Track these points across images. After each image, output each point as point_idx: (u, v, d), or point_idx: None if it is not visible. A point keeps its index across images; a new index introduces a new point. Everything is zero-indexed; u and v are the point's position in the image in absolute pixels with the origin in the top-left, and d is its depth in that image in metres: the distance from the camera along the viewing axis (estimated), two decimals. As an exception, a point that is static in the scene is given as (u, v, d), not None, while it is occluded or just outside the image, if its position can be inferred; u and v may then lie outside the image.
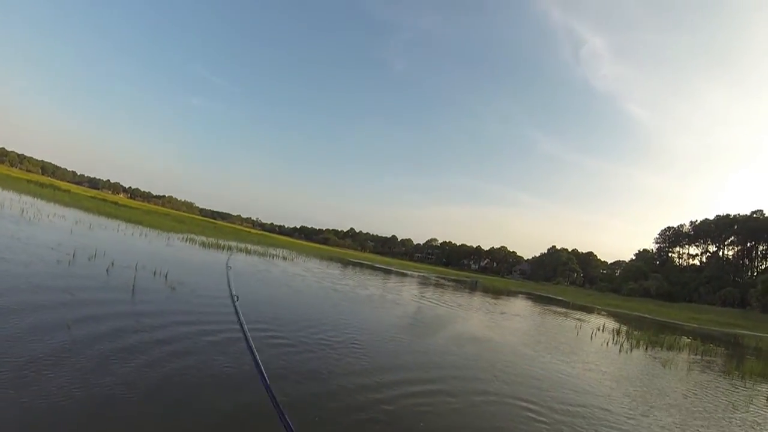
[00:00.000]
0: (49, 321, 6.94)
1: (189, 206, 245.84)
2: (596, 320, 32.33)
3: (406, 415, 6.39)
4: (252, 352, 0.99)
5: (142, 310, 8.96)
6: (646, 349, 19.08)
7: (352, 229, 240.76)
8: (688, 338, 27.39)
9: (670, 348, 20.60)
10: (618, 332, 24.48)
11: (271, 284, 18.64)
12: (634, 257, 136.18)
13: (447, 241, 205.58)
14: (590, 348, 17.03)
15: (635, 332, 25.39)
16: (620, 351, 17.25)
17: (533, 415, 7.39)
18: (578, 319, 30.37)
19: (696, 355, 19.90)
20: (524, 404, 7.91)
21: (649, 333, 25.36)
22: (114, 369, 5.74)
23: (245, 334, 1.33)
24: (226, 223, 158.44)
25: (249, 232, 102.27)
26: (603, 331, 24.31)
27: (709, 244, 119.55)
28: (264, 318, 11.00)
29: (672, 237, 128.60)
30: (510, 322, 22.17)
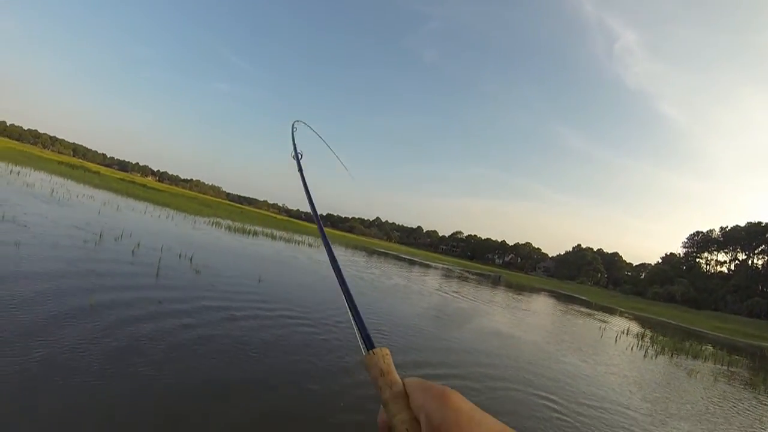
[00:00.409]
0: (72, 303, 6.86)
1: (216, 190, 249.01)
2: (620, 323, 31.94)
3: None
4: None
5: (165, 293, 8.86)
6: (671, 356, 18.65)
7: (378, 218, 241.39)
8: (713, 348, 26.76)
9: (695, 356, 20.14)
10: (642, 337, 24.10)
11: (298, 270, 18.68)
12: (660, 260, 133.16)
13: (472, 234, 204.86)
14: (614, 351, 16.74)
15: (660, 338, 24.94)
16: (645, 356, 16.98)
17: (553, 409, 7.51)
18: (602, 321, 30.06)
19: (721, 365, 19.34)
20: (545, 399, 7.91)
21: (674, 340, 24.93)
22: (140, 351, 5.68)
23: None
24: (252, 208, 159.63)
25: (275, 217, 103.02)
26: (627, 334, 23.96)
27: (738, 252, 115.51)
28: (289, 302, 11.08)
29: (700, 242, 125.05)
30: (533, 319, 21.95)
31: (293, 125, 2.00)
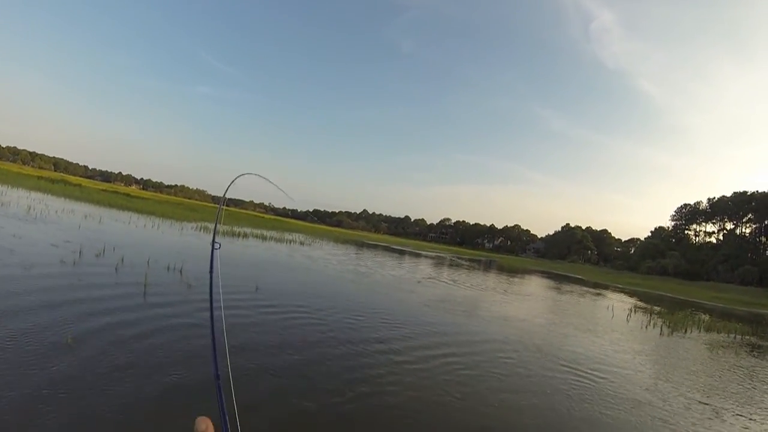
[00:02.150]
0: (46, 341, 5.90)
1: (201, 194, 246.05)
2: (623, 299, 31.70)
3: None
4: (212, 330, 0.67)
5: (156, 315, 7.88)
6: (685, 331, 18.18)
7: (365, 210, 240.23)
8: (719, 318, 26.36)
9: (708, 330, 19.64)
10: (651, 313, 23.82)
11: (296, 271, 17.96)
12: (650, 234, 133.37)
13: (460, 220, 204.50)
14: (629, 330, 16.43)
15: (666, 313, 24.74)
16: (660, 334, 16.60)
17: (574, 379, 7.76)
18: (606, 298, 30.04)
19: (735, 336, 19.10)
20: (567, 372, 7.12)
21: (680, 314, 24.50)
22: (119, 393, 4.74)
23: (212, 311, 0.72)
24: (239, 209, 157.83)
25: (263, 217, 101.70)
26: (635, 311, 23.57)
27: (726, 222, 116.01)
28: (295, 301, 10.94)
29: (688, 214, 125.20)
30: (538, 303, 21.53)
31: (213, 243, 2.02)
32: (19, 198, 26.40)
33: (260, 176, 2.86)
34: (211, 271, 1.94)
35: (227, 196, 2.43)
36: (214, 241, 2.10)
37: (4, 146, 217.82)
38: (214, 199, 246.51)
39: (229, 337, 6.48)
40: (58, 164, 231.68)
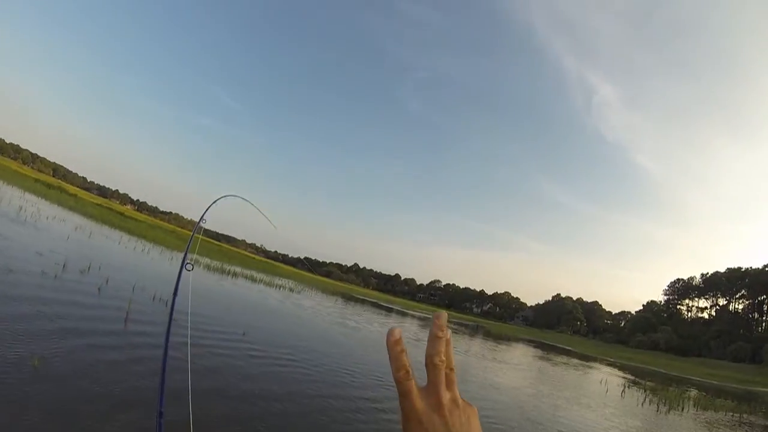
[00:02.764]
0: (9, 359, 5.19)
1: (193, 224, 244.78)
2: (614, 374, 31.16)
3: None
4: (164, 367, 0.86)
5: (134, 344, 7.13)
6: (682, 409, 17.52)
7: (356, 264, 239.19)
8: (714, 396, 25.76)
9: (704, 408, 19.05)
10: (644, 388, 23.34)
11: (285, 319, 17.36)
12: (642, 308, 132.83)
13: (450, 283, 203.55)
14: (625, 406, 15.87)
15: (659, 389, 24.11)
16: (657, 411, 16.00)
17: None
18: (591, 368, 30.37)
19: (733, 414, 18.74)
20: None
21: (674, 391, 23.89)
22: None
23: (167, 337, 0.95)
24: (230, 246, 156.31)
25: (253, 258, 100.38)
26: (629, 387, 23.10)
27: (719, 297, 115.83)
28: (284, 350, 10.33)
29: (681, 289, 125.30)
30: (528, 373, 20.92)
31: (184, 262, 1.95)
32: (12, 197, 25.69)
33: (243, 199, 2.81)
34: (174, 294, 1.62)
35: (209, 218, 2.37)
36: (184, 261, 1.78)
37: (7, 142, 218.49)
38: (207, 233, 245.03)
39: (207, 380, 5.75)
40: (58, 170, 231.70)
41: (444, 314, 0.63)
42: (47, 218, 22.04)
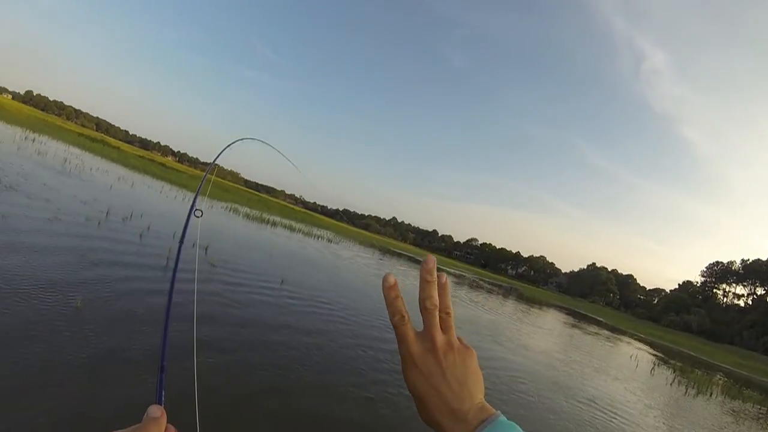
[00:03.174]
0: (57, 295, 5.44)
1: (234, 176, 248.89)
2: (645, 349, 30.79)
3: None
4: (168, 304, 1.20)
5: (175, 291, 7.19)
6: (710, 395, 17.09)
7: (394, 218, 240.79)
8: (743, 387, 24.81)
9: (732, 397, 18.53)
10: (674, 369, 22.95)
11: (323, 269, 17.34)
12: (677, 287, 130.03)
13: (487, 242, 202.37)
14: (655, 385, 15.41)
15: (689, 371, 23.68)
16: (685, 393, 15.66)
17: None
18: (621, 342, 29.91)
19: (762, 408, 18.11)
20: None
21: (704, 376, 23.60)
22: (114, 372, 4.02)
23: (171, 289, 1.30)
24: (270, 197, 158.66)
25: (293, 209, 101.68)
26: (659, 365, 22.71)
27: (757, 286, 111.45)
28: (317, 305, 9.99)
29: (719, 273, 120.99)
30: (560, 340, 20.55)
31: (193, 208, 1.69)
32: (57, 150, 26.33)
33: (263, 142, 2.72)
34: (180, 242, 1.48)
35: (225, 161, 2.30)
36: (193, 207, 1.69)
37: (51, 99, 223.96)
38: (247, 183, 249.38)
39: (245, 330, 5.74)
40: (101, 125, 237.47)
41: (432, 258, 0.65)
42: (91, 170, 22.56)
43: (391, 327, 0.65)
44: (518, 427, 0.57)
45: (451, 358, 0.64)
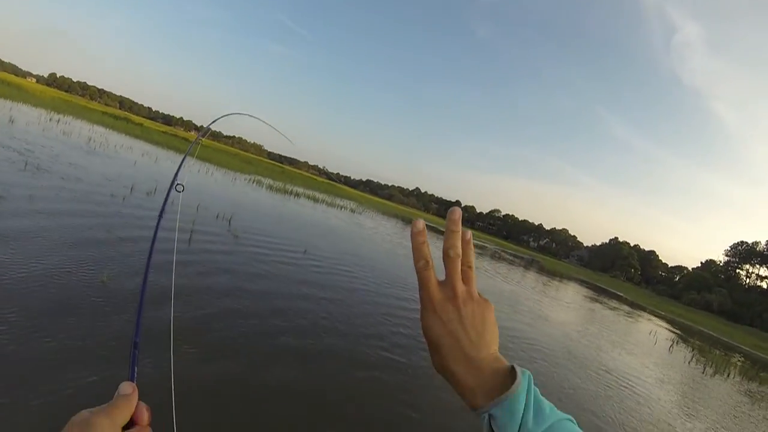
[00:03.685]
0: (84, 270, 5.68)
1: (258, 149, 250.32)
2: (664, 327, 30.48)
3: None
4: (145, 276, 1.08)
5: (197, 260, 7.36)
6: (727, 375, 16.88)
7: (417, 188, 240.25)
8: (762, 370, 24.29)
9: (750, 379, 18.18)
10: (693, 347, 22.78)
11: (346, 239, 17.66)
12: (699, 265, 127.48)
13: (509, 214, 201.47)
14: (672, 361, 15.60)
15: (707, 350, 23.57)
16: (703, 372, 15.55)
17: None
18: (641, 318, 29.84)
19: None
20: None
21: (723, 356, 23.42)
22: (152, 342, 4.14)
23: (147, 265, 1.11)
24: (293, 168, 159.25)
25: (316, 179, 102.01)
26: (678, 343, 22.46)
27: None
28: (339, 279, 9.87)
29: (744, 253, 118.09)
30: (580, 314, 20.47)
31: (174, 182, 1.58)
32: (81, 129, 26.71)
33: (254, 117, 2.79)
34: (160, 214, 1.41)
35: (213, 128, 2.28)
36: (175, 181, 1.55)
37: (74, 80, 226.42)
38: (270, 155, 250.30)
39: (267, 298, 5.83)
40: (124, 103, 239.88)
41: (458, 210, 0.67)
42: (115, 147, 22.93)
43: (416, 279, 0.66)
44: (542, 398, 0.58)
45: (470, 308, 0.65)
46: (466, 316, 0.64)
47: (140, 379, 0.70)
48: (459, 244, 0.66)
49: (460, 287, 0.66)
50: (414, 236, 0.65)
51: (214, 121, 2.26)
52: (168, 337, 4.23)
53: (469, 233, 0.69)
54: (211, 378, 4.19)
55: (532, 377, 0.60)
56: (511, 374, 0.61)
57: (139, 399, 0.62)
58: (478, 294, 0.68)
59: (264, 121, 2.79)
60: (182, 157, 1.94)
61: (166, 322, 4.64)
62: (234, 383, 4.23)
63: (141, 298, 1.00)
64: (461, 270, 0.67)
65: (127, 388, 0.62)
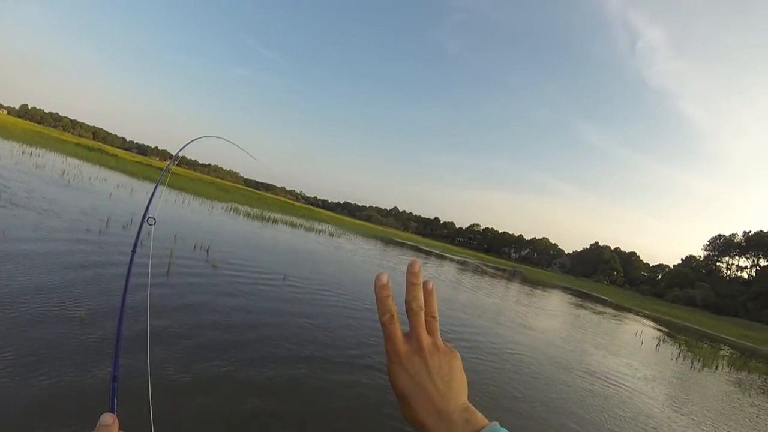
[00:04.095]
0: (62, 307, 5.65)
1: (234, 176, 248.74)
2: (650, 326, 30.77)
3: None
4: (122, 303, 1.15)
5: (174, 293, 7.35)
6: (715, 368, 17.12)
7: (395, 207, 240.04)
8: (750, 358, 24.81)
9: (738, 368, 18.63)
10: (679, 343, 23.16)
11: (326, 263, 17.50)
12: (680, 262, 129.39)
13: (489, 227, 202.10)
14: (659, 359, 15.69)
15: (694, 345, 23.88)
16: (691, 367, 15.81)
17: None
18: (626, 319, 30.14)
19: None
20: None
21: (710, 349, 23.72)
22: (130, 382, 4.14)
23: (123, 298, 1.23)
24: (270, 194, 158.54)
25: (293, 204, 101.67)
26: (664, 341, 22.69)
27: (760, 258, 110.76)
28: (317, 305, 9.70)
29: (722, 246, 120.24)
30: (564, 319, 20.64)
31: (146, 216, 1.61)
32: (55, 162, 26.43)
33: (223, 138, 2.86)
34: (134, 249, 1.46)
35: (183, 156, 2.39)
36: (146, 214, 1.59)
37: (47, 112, 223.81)
38: (247, 182, 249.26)
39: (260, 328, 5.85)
40: (98, 133, 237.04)
41: (417, 262, 0.66)
42: (90, 179, 22.71)
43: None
44: None
45: (437, 359, 0.66)
46: (433, 367, 0.65)
47: (119, 410, 0.75)
48: (421, 296, 0.67)
49: (426, 339, 0.67)
50: (378, 290, 0.65)
51: (182, 148, 2.30)
52: (146, 366, 4.24)
53: (431, 283, 0.69)
54: (190, 405, 4.21)
55: None
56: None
57: (120, 429, 0.65)
58: (444, 343, 0.69)
59: (229, 141, 2.89)
60: (153, 187, 2.00)
61: (144, 355, 4.65)
62: (213, 415, 4.24)
63: (118, 333, 1.07)
64: (425, 320, 0.68)
65: (108, 419, 0.64)
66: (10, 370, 3.91)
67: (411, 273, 0.66)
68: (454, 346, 0.69)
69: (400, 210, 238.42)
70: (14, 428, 3.24)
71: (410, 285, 0.66)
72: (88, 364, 4.41)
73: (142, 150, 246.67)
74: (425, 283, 0.67)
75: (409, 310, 0.66)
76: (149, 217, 1.59)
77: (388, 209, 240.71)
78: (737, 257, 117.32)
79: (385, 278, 0.65)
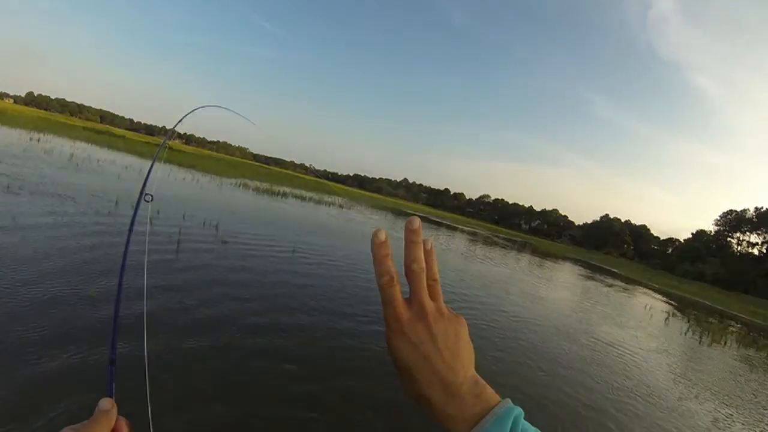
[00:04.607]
0: (74, 287, 5.71)
1: (243, 151, 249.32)
2: (659, 300, 30.61)
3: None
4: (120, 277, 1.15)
5: (185, 274, 7.40)
6: (723, 344, 17.00)
7: (405, 179, 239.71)
8: (759, 336, 24.52)
9: (746, 345, 18.42)
10: (688, 318, 22.96)
11: (334, 235, 17.48)
12: (691, 236, 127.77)
13: (499, 198, 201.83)
14: (668, 333, 15.82)
15: (703, 320, 23.63)
16: (700, 342, 15.74)
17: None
18: (636, 293, 30.02)
19: None
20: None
21: (719, 326, 23.34)
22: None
23: (120, 279, 1.18)
24: (280, 169, 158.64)
25: (303, 178, 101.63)
26: (673, 315, 22.53)
27: None
28: (328, 280, 9.73)
29: (733, 221, 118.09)
30: (575, 291, 20.75)
31: (143, 193, 1.58)
32: (63, 146, 26.53)
33: (221, 107, 2.87)
34: (131, 227, 1.43)
35: (186, 127, 2.38)
36: (143, 192, 1.55)
37: (53, 98, 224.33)
38: (256, 158, 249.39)
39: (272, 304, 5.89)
40: (105, 116, 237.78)
41: (416, 219, 0.60)
42: (98, 161, 22.80)
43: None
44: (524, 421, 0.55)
45: (442, 326, 0.59)
46: (438, 335, 0.58)
47: (118, 394, 0.73)
48: (422, 256, 0.60)
49: (429, 304, 0.60)
50: (376, 248, 0.58)
51: (179, 121, 2.29)
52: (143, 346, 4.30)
53: (430, 242, 0.62)
54: (188, 381, 4.27)
55: (521, 414, 0.55)
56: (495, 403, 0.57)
57: (119, 414, 0.63)
58: (448, 309, 0.63)
59: (227, 108, 2.89)
60: (150, 164, 1.95)
61: (146, 334, 4.71)
62: (214, 402, 4.29)
63: (115, 317, 1.05)
64: (427, 285, 0.61)
65: (106, 404, 0.61)
66: (31, 349, 4.00)
67: (410, 230, 0.59)
68: (459, 312, 0.63)
69: (410, 181, 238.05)
70: (15, 414, 3.30)
71: (410, 244, 0.59)
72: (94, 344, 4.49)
73: (150, 130, 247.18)
74: (425, 242, 0.61)
75: (410, 272, 0.60)
76: (146, 194, 1.56)
77: (398, 181, 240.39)
78: (748, 233, 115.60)
79: (383, 235, 0.58)
